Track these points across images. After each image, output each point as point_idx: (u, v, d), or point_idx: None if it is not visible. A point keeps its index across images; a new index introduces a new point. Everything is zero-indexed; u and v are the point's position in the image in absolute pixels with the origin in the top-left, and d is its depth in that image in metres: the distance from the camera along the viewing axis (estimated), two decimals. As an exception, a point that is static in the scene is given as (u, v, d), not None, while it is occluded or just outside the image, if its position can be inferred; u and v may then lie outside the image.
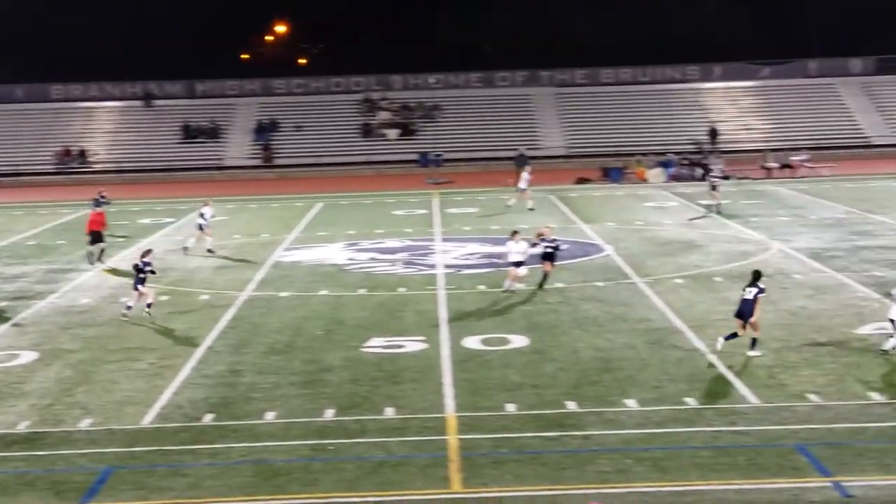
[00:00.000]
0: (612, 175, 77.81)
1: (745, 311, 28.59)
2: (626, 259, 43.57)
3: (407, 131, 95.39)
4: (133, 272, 35.31)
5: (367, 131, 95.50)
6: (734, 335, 28.72)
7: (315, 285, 40.30)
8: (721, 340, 28.74)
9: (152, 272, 35.35)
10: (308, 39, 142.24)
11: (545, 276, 37.73)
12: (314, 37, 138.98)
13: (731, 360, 28.15)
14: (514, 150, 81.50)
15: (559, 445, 22.35)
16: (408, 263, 44.45)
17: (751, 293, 28.57)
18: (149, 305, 34.93)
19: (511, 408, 24.83)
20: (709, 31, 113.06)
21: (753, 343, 28.68)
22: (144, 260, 35.23)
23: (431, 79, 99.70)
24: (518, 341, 30.84)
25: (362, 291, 38.83)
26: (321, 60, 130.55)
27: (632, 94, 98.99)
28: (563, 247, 38.30)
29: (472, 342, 30.90)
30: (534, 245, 37.91)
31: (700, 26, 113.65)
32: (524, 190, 61.22)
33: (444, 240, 50.48)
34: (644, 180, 76.69)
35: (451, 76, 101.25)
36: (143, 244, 50.98)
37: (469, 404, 25.17)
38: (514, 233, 38.04)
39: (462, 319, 33.81)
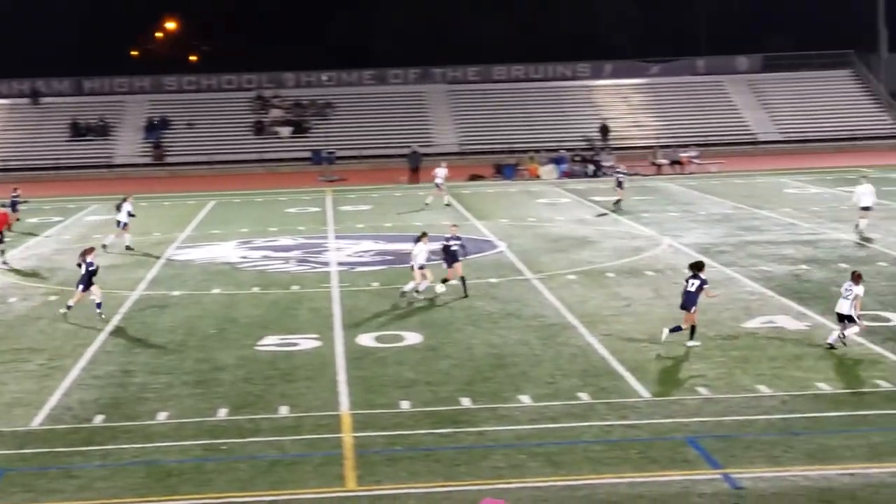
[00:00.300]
0: (504, 172, 78.20)
1: (688, 303, 29.10)
2: (519, 255, 43.81)
3: (299, 129, 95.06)
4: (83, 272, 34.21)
5: (260, 129, 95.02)
6: (678, 328, 29.18)
7: (208, 284, 40.05)
8: (665, 332, 29.14)
9: (94, 272, 34.30)
10: (199, 36, 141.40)
11: (463, 281, 36.28)
12: (205, 34, 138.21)
13: (623, 354, 28.44)
14: (408, 147, 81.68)
15: (453, 442, 22.43)
16: (301, 261, 44.32)
17: (693, 285, 29.12)
18: (68, 307, 34.28)
19: (405, 405, 24.87)
20: (599, 29, 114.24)
21: (692, 333, 29.25)
22: (88, 259, 34.26)
23: (324, 76, 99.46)
24: (412, 338, 30.89)
25: (256, 290, 38.66)
26: (212, 58, 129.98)
27: (524, 92, 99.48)
28: (455, 245, 37.46)
29: (366, 339, 30.90)
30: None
31: (591, 24, 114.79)
32: (439, 185, 61.35)
33: (338, 237, 50.39)
34: (537, 177, 77.20)
35: (343, 74, 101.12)
36: (31, 243, 50.38)
37: (363, 402, 25.18)
38: (423, 235, 36.61)
39: (356, 317, 33.79)
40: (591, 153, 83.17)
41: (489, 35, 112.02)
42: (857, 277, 28.51)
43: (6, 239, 46.60)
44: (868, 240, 45.24)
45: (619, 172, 60.01)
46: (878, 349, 28.35)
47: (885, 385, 25.28)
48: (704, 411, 23.78)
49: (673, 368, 27.16)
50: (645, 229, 49.99)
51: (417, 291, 35.80)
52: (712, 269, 39.45)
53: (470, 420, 23.70)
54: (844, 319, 28.27)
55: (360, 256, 45.11)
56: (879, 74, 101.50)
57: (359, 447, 22.15)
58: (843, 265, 39.31)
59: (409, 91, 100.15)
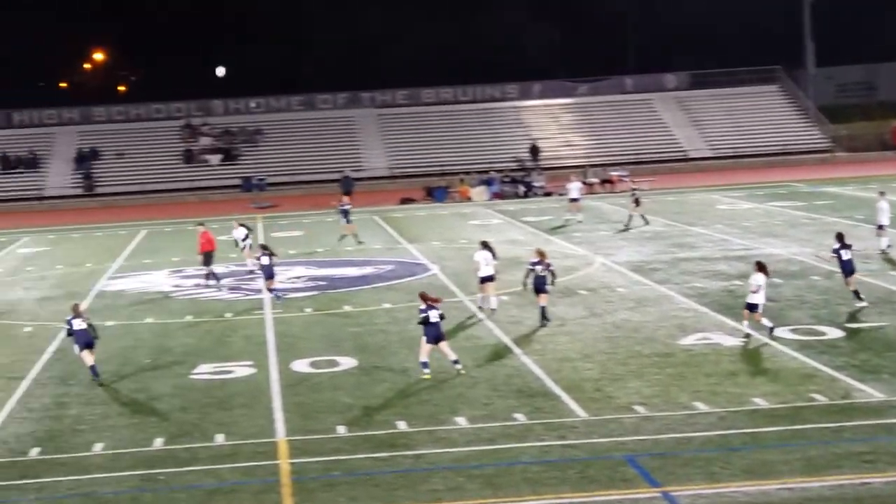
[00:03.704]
0: (436, 194, 78.24)
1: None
2: (451, 278, 43.78)
3: (229, 156, 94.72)
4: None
5: (189, 157, 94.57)
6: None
7: (141, 313, 39.74)
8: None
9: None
10: (127, 66, 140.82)
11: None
12: (133, 64, 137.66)
13: (559, 374, 28.48)
14: (340, 172, 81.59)
15: (391, 466, 22.36)
16: (234, 289, 44.08)
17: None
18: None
19: (342, 430, 24.78)
20: (526, 49, 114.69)
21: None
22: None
23: (252, 103, 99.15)
24: (347, 363, 30.80)
25: (189, 318, 38.42)
26: (141, 87, 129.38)
27: (453, 114, 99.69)
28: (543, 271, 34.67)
29: (301, 365, 30.78)
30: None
31: (518, 45, 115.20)
32: (577, 199, 61.48)
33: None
34: (468, 199, 77.25)
35: (272, 100, 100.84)
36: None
37: (300, 428, 25.06)
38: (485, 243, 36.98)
39: (290, 343, 33.67)
40: (521, 174, 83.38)
41: (417, 57, 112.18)
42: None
43: None
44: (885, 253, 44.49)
45: (635, 189, 59.59)
46: (813, 363, 28.56)
47: (820, 399, 25.45)
48: (642, 429, 23.84)
49: (609, 387, 27.19)
50: (577, 248, 50.13)
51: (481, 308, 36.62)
52: (646, 287, 39.70)
53: (407, 443, 23.64)
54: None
55: (292, 282, 44.92)
56: (807, 89, 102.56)
57: (296, 474, 22.03)
58: (777, 280, 39.59)
59: (338, 116, 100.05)
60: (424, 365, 28.86)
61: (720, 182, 79.06)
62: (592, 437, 23.54)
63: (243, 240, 47.66)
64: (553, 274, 34.68)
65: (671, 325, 33.56)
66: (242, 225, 48.53)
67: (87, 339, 30.16)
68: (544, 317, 34.39)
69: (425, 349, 28.88)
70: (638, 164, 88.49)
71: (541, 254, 34.89)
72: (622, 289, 39.86)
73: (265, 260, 40.46)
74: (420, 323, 28.85)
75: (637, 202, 57.31)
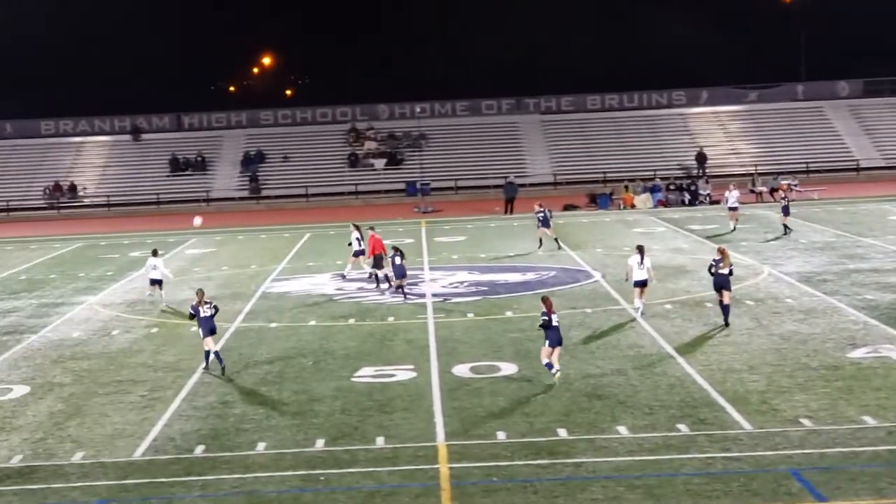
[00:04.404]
0: (599, 201, 77.86)
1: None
2: (614, 285, 43.41)
3: (394, 161, 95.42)
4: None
5: (354, 161, 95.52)
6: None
7: (304, 315, 40.18)
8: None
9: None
10: (294, 71, 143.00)
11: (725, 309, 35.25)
12: (300, 68, 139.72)
13: (724, 385, 28.06)
14: (504, 177, 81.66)
15: (551, 473, 22.23)
16: (396, 292, 44.27)
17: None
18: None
19: (502, 436, 24.71)
20: (694, 55, 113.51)
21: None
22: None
23: (417, 108, 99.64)
24: (507, 369, 30.73)
25: (352, 321, 38.72)
26: (307, 91, 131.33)
27: (618, 120, 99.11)
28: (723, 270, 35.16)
29: (462, 370, 30.79)
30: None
31: (685, 51, 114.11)
32: (736, 208, 61.16)
33: (433, 268, 50.38)
34: (632, 206, 76.75)
35: (436, 105, 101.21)
36: (134, 276, 50.81)
37: (460, 432, 25.06)
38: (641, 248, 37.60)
39: (451, 347, 33.70)
40: (687, 181, 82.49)
41: (582, 64, 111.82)
42: None
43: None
44: None
45: (784, 199, 59.11)
46: None
47: None
48: (808, 443, 23.37)
49: (775, 400, 26.71)
50: (744, 258, 49.35)
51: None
52: (815, 298, 38.95)
53: (567, 451, 23.49)
54: None
55: (454, 287, 45.03)
56: None
57: (455, 478, 22.03)
58: (948, 293, 38.57)
59: (502, 121, 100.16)
60: (549, 366, 29.00)
61: (893, 192, 77.23)
62: (757, 449, 23.13)
63: (354, 243, 47.78)
64: (731, 274, 35.10)
65: (840, 338, 32.84)
66: (357, 228, 48.70)
67: (211, 326, 31.51)
68: (726, 317, 34.86)
69: (545, 352, 29.11)
70: (807, 174, 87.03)
71: (722, 252, 35.26)
72: (790, 300, 39.15)
73: (397, 260, 42.12)
74: (542, 327, 29.00)
75: (786, 211, 56.53)
